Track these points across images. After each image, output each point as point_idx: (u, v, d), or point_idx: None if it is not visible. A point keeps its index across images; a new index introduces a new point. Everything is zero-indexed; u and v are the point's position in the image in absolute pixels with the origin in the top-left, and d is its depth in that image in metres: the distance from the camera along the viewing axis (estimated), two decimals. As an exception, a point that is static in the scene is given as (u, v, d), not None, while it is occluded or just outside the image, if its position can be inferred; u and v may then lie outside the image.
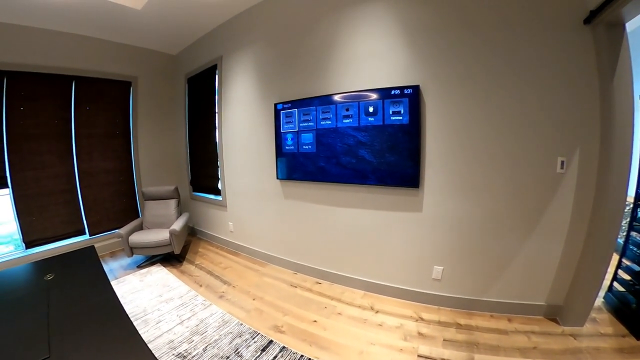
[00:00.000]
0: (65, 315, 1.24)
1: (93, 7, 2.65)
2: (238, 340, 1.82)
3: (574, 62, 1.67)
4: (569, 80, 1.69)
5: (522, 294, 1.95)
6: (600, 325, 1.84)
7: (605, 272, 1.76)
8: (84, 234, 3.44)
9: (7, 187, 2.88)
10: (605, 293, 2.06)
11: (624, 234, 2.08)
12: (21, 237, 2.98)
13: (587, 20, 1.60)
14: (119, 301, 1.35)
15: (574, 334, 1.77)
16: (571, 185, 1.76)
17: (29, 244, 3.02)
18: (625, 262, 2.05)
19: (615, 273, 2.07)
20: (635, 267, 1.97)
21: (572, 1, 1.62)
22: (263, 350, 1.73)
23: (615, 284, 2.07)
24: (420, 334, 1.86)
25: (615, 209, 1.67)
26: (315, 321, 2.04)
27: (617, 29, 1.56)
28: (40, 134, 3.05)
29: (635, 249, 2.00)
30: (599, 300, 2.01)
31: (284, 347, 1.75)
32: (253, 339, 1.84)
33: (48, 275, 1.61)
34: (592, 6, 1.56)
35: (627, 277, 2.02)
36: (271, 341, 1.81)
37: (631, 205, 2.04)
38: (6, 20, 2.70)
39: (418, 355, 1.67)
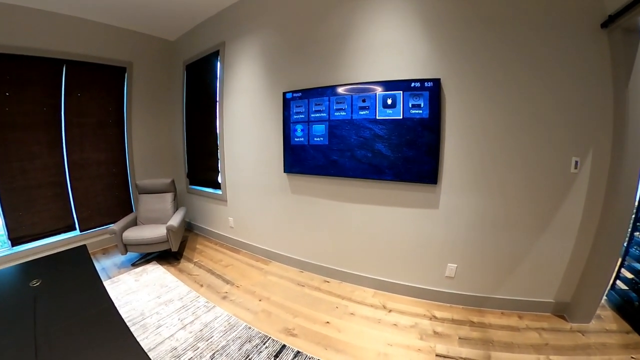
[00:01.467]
0: (54, 329, 1.09)
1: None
2: (248, 346, 1.71)
3: (589, 65, 1.68)
4: (584, 82, 1.70)
5: (532, 291, 1.98)
6: (605, 322, 1.89)
7: (613, 270, 1.80)
8: (74, 229, 3.23)
9: (-9, 179, 2.65)
10: (608, 291, 2.12)
11: (628, 231, 2.13)
12: (7, 234, 2.76)
13: (605, 25, 1.60)
14: (117, 311, 1.21)
15: (582, 330, 1.81)
16: (583, 185, 1.79)
17: (15, 241, 2.80)
18: (628, 260, 2.12)
19: (618, 271, 2.13)
20: (638, 266, 2.03)
21: (591, 4, 1.62)
22: (276, 356, 1.64)
23: (618, 282, 2.13)
24: (435, 332, 1.85)
25: (624, 209, 1.71)
26: (328, 322, 1.98)
27: (634, 35, 1.57)
28: (27, 122, 2.81)
29: (637, 247, 2.06)
30: (602, 298, 2.06)
31: (298, 352, 1.67)
32: (264, 344, 1.74)
33: (34, 282, 1.43)
34: (611, 11, 1.56)
35: (629, 275, 2.08)
36: (284, 346, 1.72)
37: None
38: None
39: (436, 355, 1.65)
